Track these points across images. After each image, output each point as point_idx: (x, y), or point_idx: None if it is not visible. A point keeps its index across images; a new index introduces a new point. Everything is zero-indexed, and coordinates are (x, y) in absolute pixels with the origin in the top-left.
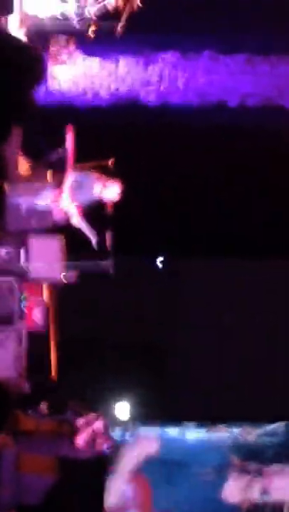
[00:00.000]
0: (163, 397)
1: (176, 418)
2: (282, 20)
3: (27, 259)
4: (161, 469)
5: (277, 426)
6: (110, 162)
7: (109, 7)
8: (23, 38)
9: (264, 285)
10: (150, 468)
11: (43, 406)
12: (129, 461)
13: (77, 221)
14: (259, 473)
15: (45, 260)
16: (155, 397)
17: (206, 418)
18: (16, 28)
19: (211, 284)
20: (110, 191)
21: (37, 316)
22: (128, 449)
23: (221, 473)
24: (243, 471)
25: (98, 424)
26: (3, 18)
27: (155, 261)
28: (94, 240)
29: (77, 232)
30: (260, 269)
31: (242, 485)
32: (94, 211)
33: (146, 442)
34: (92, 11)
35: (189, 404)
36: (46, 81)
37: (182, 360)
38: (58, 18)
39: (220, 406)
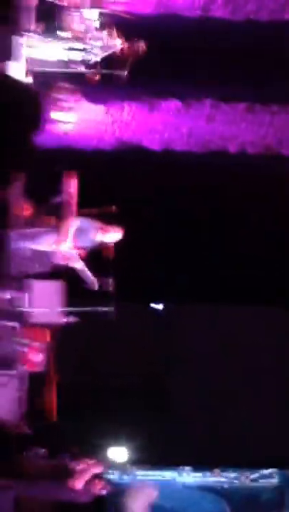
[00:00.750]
0: (161, 441)
1: (173, 462)
2: (283, 69)
3: (29, 303)
4: None
5: (272, 471)
6: (113, 208)
7: (115, 54)
8: (29, 84)
9: (261, 331)
10: None
11: (43, 450)
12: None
13: (78, 265)
14: None
15: (47, 304)
16: (153, 440)
17: (203, 462)
18: (23, 75)
19: (211, 330)
20: (112, 237)
21: (38, 359)
22: (132, 497)
23: None
24: None
25: (96, 469)
26: (3, 64)
27: (156, 307)
28: (95, 284)
29: (79, 276)
30: (259, 315)
31: None
32: (95, 257)
33: (148, 489)
34: (98, 57)
35: (186, 448)
36: (51, 126)
37: (180, 405)
38: (64, 64)
39: (216, 450)
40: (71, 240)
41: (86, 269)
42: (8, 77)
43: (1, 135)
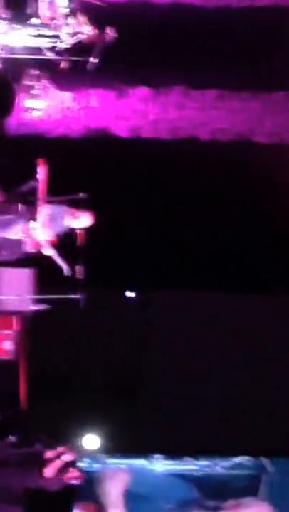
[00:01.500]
0: (132, 429)
1: (144, 450)
2: (254, 56)
3: None
4: (129, 504)
5: (245, 459)
6: (81, 195)
7: (83, 41)
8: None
9: (237, 317)
10: None
11: (12, 438)
12: (114, 493)
13: (49, 253)
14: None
15: (16, 292)
16: (124, 428)
17: (174, 450)
18: None
19: (183, 316)
20: (82, 223)
21: (7, 348)
22: (107, 482)
23: (184, 510)
24: (203, 507)
25: (67, 456)
26: None
27: (126, 293)
28: (66, 272)
29: (49, 263)
30: (235, 301)
31: None
32: (66, 243)
33: (122, 475)
34: (65, 44)
35: (158, 436)
36: (19, 113)
37: (151, 392)
38: (31, 51)
39: (188, 438)
40: (42, 227)
41: (57, 256)
42: None
43: None
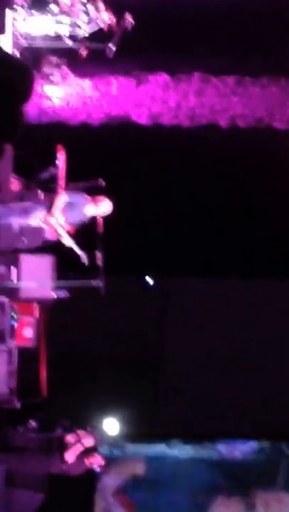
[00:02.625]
0: (151, 414)
1: (163, 435)
2: (273, 42)
3: (18, 277)
4: (148, 492)
5: (264, 444)
6: (101, 182)
7: (102, 27)
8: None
9: (256, 303)
10: (136, 492)
11: (33, 423)
12: (113, 478)
13: (67, 241)
14: (246, 495)
15: (36, 279)
16: (144, 413)
17: (194, 435)
18: (9, 49)
19: (202, 301)
20: (101, 210)
21: (28, 334)
22: (114, 467)
23: (208, 496)
24: (230, 493)
25: (88, 441)
26: None
27: (146, 279)
28: (84, 259)
29: (68, 250)
30: (252, 288)
31: (229, 509)
32: (85, 230)
33: (133, 462)
34: (85, 31)
35: (177, 421)
36: (39, 100)
37: (171, 377)
38: (51, 38)
39: (207, 423)
40: (60, 214)
41: (75, 244)
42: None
43: None
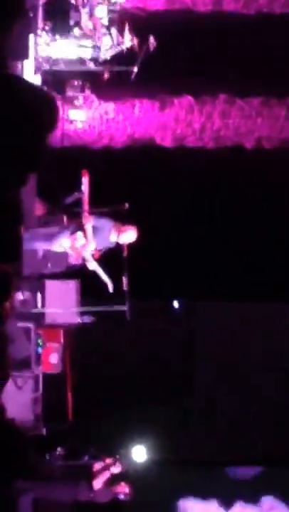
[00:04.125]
0: (179, 440)
1: (192, 460)
2: None
3: (43, 303)
4: None
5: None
6: (126, 206)
7: (125, 51)
8: (39, 83)
9: (279, 328)
10: None
11: (60, 450)
12: None
13: (93, 265)
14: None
15: (61, 304)
16: (171, 440)
17: (222, 460)
18: (32, 73)
19: (229, 325)
20: (126, 235)
21: (53, 360)
22: None
23: None
24: None
25: (115, 468)
26: (19, 63)
27: (171, 304)
28: (110, 285)
29: (93, 275)
30: (276, 311)
31: None
32: (110, 255)
33: None
34: (108, 54)
35: (206, 445)
36: (62, 124)
37: (200, 401)
38: (74, 62)
39: (236, 448)
40: (86, 240)
41: (100, 269)
42: (21, 79)
43: (14, 136)
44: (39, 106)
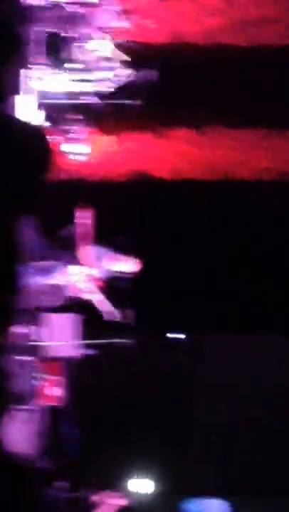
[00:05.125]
0: (185, 471)
1: (198, 492)
2: None
3: (44, 336)
4: None
5: None
6: (124, 238)
7: (125, 84)
8: (37, 118)
9: (284, 361)
10: None
11: (64, 483)
12: None
13: (95, 297)
14: None
15: (62, 337)
16: (177, 471)
17: (230, 491)
18: (26, 108)
19: (235, 360)
20: (128, 266)
21: (56, 393)
22: None
23: None
24: None
25: (119, 501)
26: (13, 98)
27: (176, 337)
28: (112, 316)
29: (95, 308)
30: (281, 344)
31: None
32: (114, 287)
33: None
34: (104, 88)
35: (212, 477)
36: (59, 158)
37: (203, 435)
38: (72, 95)
39: (243, 479)
40: (85, 271)
41: (105, 300)
42: (14, 118)
43: (11, 174)
44: (33, 145)
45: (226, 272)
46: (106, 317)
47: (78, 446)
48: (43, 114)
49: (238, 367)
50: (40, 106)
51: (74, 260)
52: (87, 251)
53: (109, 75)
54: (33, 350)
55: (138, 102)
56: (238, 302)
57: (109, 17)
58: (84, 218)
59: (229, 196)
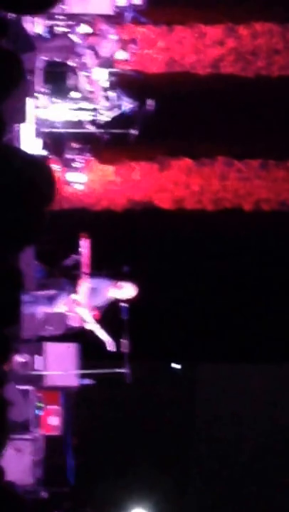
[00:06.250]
0: (180, 504)
1: None
2: None
3: (42, 366)
4: None
5: None
6: (126, 268)
7: (124, 113)
8: (39, 147)
9: (283, 390)
10: None
11: None
12: None
13: (92, 326)
14: None
15: (61, 367)
16: (172, 503)
17: None
18: (30, 136)
19: (229, 388)
20: (125, 291)
21: (53, 422)
22: None
23: None
24: None
25: None
26: (17, 127)
27: (171, 366)
28: (110, 346)
29: (93, 337)
30: (279, 373)
31: None
32: (110, 317)
33: None
34: (106, 117)
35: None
36: (61, 187)
37: (200, 465)
38: (73, 124)
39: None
40: (85, 301)
41: (102, 330)
42: (18, 150)
43: (12, 209)
44: (36, 178)
45: (223, 303)
46: (103, 345)
47: (74, 477)
48: (43, 142)
49: (235, 395)
50: (42, 134)
51: (74, 289)
52: (85, 280)
53: (110, 104)
54: (31, 380)
55: (138, 132)
56: (232, 331)
57: (111, 47)
58: (83, 248)
59: (230, 226)
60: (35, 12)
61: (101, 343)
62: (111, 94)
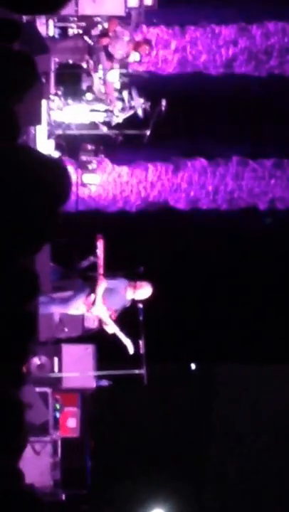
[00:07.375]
0: (197, 506)
1: None
2: None
3: (60, 368)
4: None
5: None
6: (141, 269)
7: (138, 114)
8: (53, 148)
9: None
10: None
11: None
12: None
13: (111, 328)
14: None
15: (79, 369)
16: (189, 505)
17: None
18: (45, 139)
19: (247, 389)
20: (142, 291)
21: (71, 424)
22: None
23: None
24: None
25: None
26: (32, 129)
27: (189, 367)
28: (129, 346)
29: (110, 339)
30: None
31: None
32: (126, 318)
33: None
34: (121, 118)
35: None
36: (76, 189)
37: (217, 467)
38: (87, 126)
39: None
40: (101, 302)
41: (119, 331)
42: (33, 151)
43: (26, 210)
44: (51, 178)
45: (239, 303)
46: (121, 348)
47: (91, 479)
48: (56, 144)
49: (253, 396)
50: (53, 136)
51: (90, 291)
52: (102, 282)
53: (124, 105)
54: (48, 382)
55: (152, 133)
56: (249, 332)
57: (124, 48)
58: (99, 249)
59: (245, 226)
60: (45, 13)
61: (120, 345)
62: (125, 95)
